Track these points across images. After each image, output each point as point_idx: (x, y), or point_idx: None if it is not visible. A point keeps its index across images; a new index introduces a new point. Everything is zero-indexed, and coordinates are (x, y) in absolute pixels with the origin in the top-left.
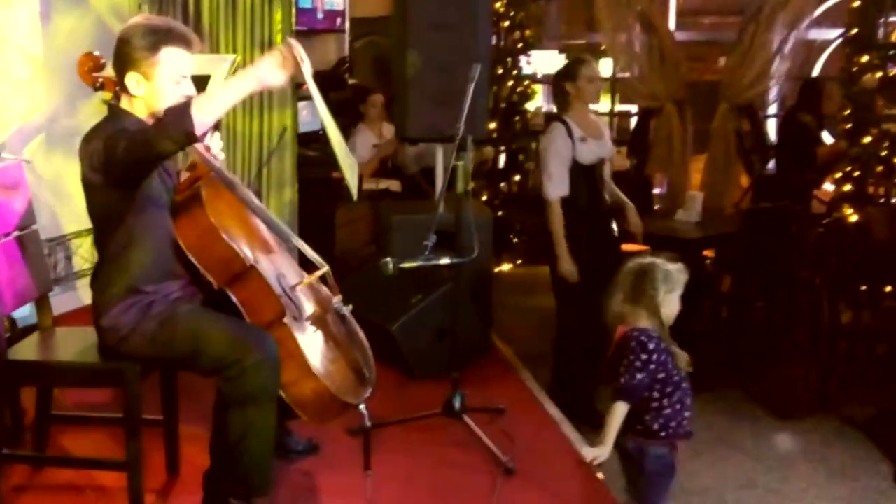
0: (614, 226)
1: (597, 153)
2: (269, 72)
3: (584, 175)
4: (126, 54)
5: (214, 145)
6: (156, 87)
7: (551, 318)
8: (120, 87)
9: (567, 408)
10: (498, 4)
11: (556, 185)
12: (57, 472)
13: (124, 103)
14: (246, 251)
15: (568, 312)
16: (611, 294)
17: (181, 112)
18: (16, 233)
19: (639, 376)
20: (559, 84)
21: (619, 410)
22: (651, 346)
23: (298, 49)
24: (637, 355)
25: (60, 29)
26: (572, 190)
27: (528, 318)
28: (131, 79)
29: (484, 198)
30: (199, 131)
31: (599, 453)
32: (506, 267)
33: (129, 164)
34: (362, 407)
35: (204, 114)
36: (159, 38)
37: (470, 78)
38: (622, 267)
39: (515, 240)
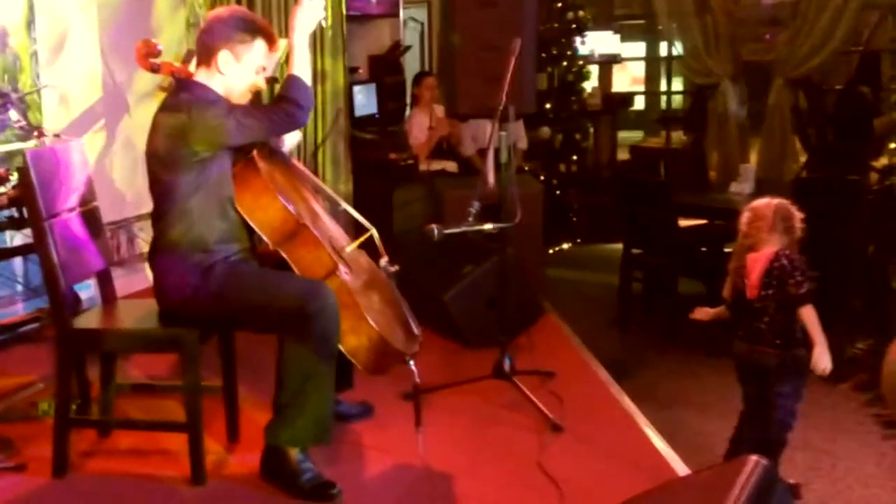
0: None
1: None
2: (308, 24)
3: None
4: (224, 33)
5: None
6: (241, 70)
7: (608, 294)
8: (204, 60)
9: None
10: None
11: None
12: (122, 439)
13: (200, 76)
14: (297, 211)
15: None
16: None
17: (303, 87)
18: (78, 209)
19: (810, 284)
20: None
21: (813, 312)
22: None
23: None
24: (803, 267)
25: (115, 15)
26: None
27: (586, 293)
28: (224, 56)
29: (542, 178)
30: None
31: (825, 351)
32: (565, 245)
33: (263, 134)
34: (412, 363)
35: (305, 76)
36: (257, 27)
37: (510, 51)
38: (752, 206)
39: (574, 219)
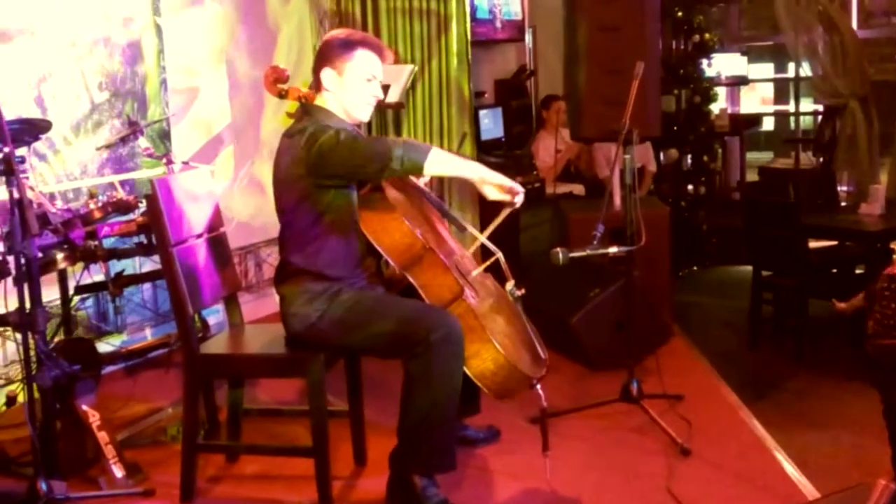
0: None
1: None
2: (491, 182)
3: None
4: (324, 52)
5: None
6: (346, 83)
7: (737, 317)
8: (316, 85)
9: None
10: (679, 13)
11: None
12: (249, 464)
13: (318, 101)
14: (423, 234)
15: None
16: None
17: (422, 150)
18: (205, 235)
19: None
20: None
21: None
22: None
23: (521, 198)
24: None
25: (243, 45)
26: None
27: (715, 315)
28: (326, 73)
29: (670, 200)
30: (422, 174)
31: None
32: (694, 268)
33: (351, 168)
34: (539, 387)
35: (435, 165)
36: (355, 40)
37: (634, 75)
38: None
39: (703, 241)
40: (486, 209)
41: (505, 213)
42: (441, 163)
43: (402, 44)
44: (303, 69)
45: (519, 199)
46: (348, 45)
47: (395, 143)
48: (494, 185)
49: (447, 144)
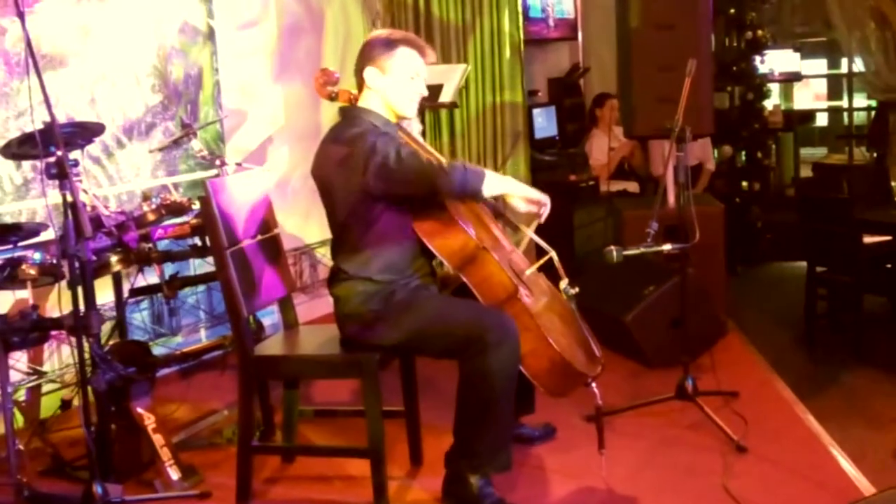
0: None
1: None
2: (524, 196)
3: None
4: (366, 52)
5: (414, 128)
6: (391, 80)
7: (792, 313)
8: (359, 85)
9: None
10: (732, 10)
11: None
12: (305, 465)
13: (362, 102)
14: (477, 235)
15: None
16: None
17: (479, 176)
18: (259, 236)
19: None
20: None
21: None
22: None
23: (546, 210)
24: None
25: (296, 47)
26: None
27: (770, 312)
28: (369, 72)
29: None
30: (476, 198)
31: None
32: (748, 264)
33: (409, 192)
34: (594, 385)
35: (489, 188)
36: (396, 38)
37: (687, 72)
38: None
39: (758, 237)
40: None
41: (534, 224)
42: (493, 185)
43: (455, 42)
44: (349, 60)
45: (544, 212)
46: (390, 44)
47: (455, 171)
48: (523, 197)
49: (501, 144)
